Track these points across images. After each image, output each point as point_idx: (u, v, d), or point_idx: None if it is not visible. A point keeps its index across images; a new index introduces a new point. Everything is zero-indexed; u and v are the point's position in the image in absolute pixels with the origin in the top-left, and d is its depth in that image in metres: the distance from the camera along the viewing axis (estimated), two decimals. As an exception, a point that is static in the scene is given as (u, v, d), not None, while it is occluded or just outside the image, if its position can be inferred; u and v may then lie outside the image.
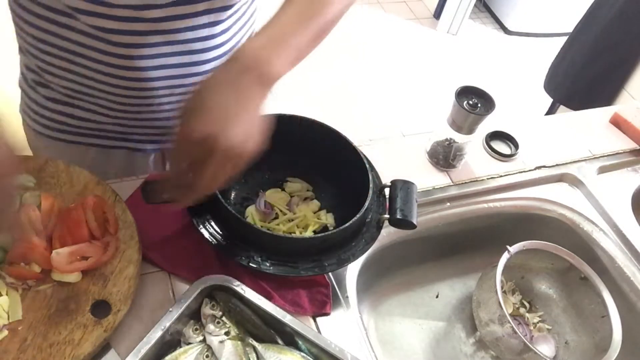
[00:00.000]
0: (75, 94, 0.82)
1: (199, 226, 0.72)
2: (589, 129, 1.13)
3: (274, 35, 0.61)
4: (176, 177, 0.62)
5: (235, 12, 0.79)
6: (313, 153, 0.87)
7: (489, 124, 1.03)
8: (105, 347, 0.66)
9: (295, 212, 0.83)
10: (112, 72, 0.76)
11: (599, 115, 1.17)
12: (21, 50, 0.82)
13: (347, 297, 0.79)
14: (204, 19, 0.74)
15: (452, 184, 0.97)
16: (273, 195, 0.84)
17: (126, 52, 0.73)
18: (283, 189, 0.86)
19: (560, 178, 1.05)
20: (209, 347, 0.65)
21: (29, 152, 0.98)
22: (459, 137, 0.93)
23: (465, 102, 0.89)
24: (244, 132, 0.57)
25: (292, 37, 0.62)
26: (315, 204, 0.85)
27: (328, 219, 0.83)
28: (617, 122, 1.14)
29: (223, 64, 0.60)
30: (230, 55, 0.60)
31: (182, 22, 0.73)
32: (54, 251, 0.68)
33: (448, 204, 0.96)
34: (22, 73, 0.88)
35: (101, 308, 0.67)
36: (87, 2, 0.67)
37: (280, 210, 0.83)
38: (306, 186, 0.87)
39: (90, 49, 0.74)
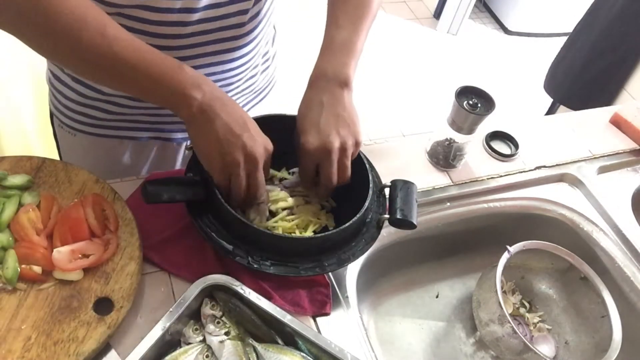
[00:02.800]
0: (109, 90, 0.84)
1: (199, 226, 0.72)
2: (589, 129, 1.13)
3: (340, 48, 0.76)
4: (307, 182, 0.78)
5: (261, 8, 0.82)
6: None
7: (489, 124, 1.03)
8: (105, 347, 0.66)
9: (295, 213, 0.83)
10: None
11: (599, 115, 1.17)
12: None
13: (347, 297, 0.79)
14: (234, 8, 0.77)
15: (452, 184, 0.97)
16: (273, 195, 0.84)
17: (166, 44, 0.76)
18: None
19: (560, 178, 1.05)
20: (209, 347, 0.65)
21: (60, 150, 1.00)
22: (459, 137, 0.93)
23: (465, 102, 0.89)
24: (349, 130, 0.73)
25: (354, 43, 0.76)
26: (316, 206, 0.84)
27: (328, 219, 0.83)
28: (617, 122, 1.14)
29: (311, 87, 0.76)
30: (316, 77, 0.75)
31: (216, 10, 0.76)
32: (55, 250, 0.68)
33: (448, 204, 0.96)
34: (50, 70, 0.89)
35: (104, 305, 0.67)
36: (135, 9, 0.71)
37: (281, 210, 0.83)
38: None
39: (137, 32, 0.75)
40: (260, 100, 1.01)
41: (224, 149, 0.66)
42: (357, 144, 0.75)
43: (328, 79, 0.74)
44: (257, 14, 0.83)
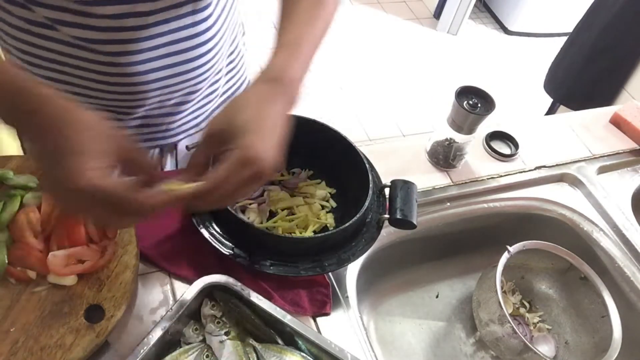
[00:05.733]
0: None
1: (199, 226, 0.72)
2: (589, 129, 1.13)
3: (292, 51, 0.65)
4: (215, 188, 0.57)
5: (216, 7, 0.79)
6: (313, 153, 0.87)
7: (489, 124, 1.03)
8: (104, 347, 0.66)
9: (296, 212, 0.83)
10: (102, 79, 0.75)
11: (599, 115, 1.17)
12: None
13: (347, 297, 0.79)
14: (188, 20, 0.75)
15: (452, 184, 0.97)
16: (274, 195, 0.84)
17: (113, 60, 0.73)
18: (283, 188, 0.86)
19: (560, 178, 1.05)
20: (209, 347, 0.65)
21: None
22: (459, 137, 0.93)
23: (465, 102, 0.89)
24: (278, 147, 0.58)
25: (307, 48, 0.66)
26: (316, 206, 0.84)
27: (328, 219, 0.83)
28: (617, 122, 1.14)
29: (258, 83, 0.62)
30: (260, 75, 0.63)
31: (165, 25, 0.73)
32: (50, 253, 0.67)
33: (448, 204, 0.96)
34: None
35: (95, 313, 0.66)
36: (66, 13, 0.67)
37: (281, 210, 0.83)
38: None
39: (76, 59, 0.73)
40: None
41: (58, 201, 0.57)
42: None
43: (285, 88, 0.62)
44: (215, 20, 0.79)
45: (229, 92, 0.97)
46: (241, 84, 0.99)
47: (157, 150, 0.94)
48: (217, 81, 0.89)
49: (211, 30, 0.79)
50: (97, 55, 0.73)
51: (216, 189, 0.55)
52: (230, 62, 0.92)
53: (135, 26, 0.71)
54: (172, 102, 0.83)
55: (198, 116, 0.90)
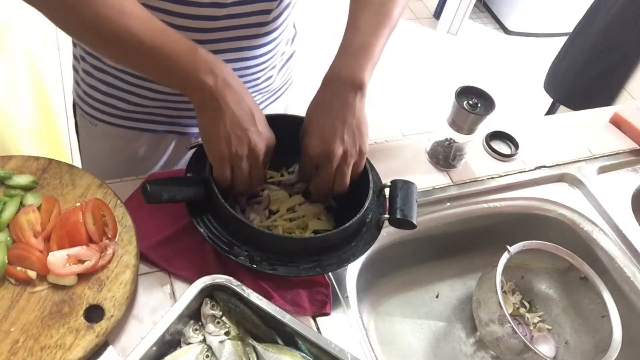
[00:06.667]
0: (132, 80, 0.85)
1: (199, 226, 0.72)
2: (589, 129, 1.13)
3: (357, 51, 0.74)
4: (303, 182, 0.79)
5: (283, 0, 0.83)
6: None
7: (489, 124, 1.03)
8: (104, 347, 0.66)
9: (297, 210, 0.83)
10: None
11: (599, 115, 1.17)
12: None
13: (347, 297, 0.79)
14: (258, 6, 0.79)
15: (452, 184, 0.97)
16: (274, 195, 0.84)
17: (190, 37, 0.76)
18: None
19: (560, 178, 1.05)
20: (209, 347, 0.65)
21: (80, 141, 1.02)
22: (459, 137, 0.93)
23: (465, 102, 0.89)
24: (354, 138, 0.73)
25: (372, 48, 0.74)
26: (317, 206, 0.84)
27: (328, 219, 0.83)
28: (617, 122, 1.14)
29: (324, 88, 0.74)
30: (330, 78, 0.74)
31: (243, 7, 0.77)
32: (50, 253, 0.67)
33: (448, 204, 0.96)
34: (76, 57, 0.90)
35: (95, 313, 0.66)
36: (169, 2, 0.72)
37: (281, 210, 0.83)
38: None
39: None
40: (276, 99, 1.02)
41: (229, 141, 0.67)
42: (361, 153, 0.74)
43: (342, 82, 0.73)
44: (280, 14, 0.84)
45: (281, 90, 1.01)
46: (288, 82, 1.04)
47: None
48: (270, 76, 0.93)
49: (278, 20, 0.83)
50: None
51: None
52: (284, 59, 0.97)
53: (217, 3, 0.74)
54: None
55: None
